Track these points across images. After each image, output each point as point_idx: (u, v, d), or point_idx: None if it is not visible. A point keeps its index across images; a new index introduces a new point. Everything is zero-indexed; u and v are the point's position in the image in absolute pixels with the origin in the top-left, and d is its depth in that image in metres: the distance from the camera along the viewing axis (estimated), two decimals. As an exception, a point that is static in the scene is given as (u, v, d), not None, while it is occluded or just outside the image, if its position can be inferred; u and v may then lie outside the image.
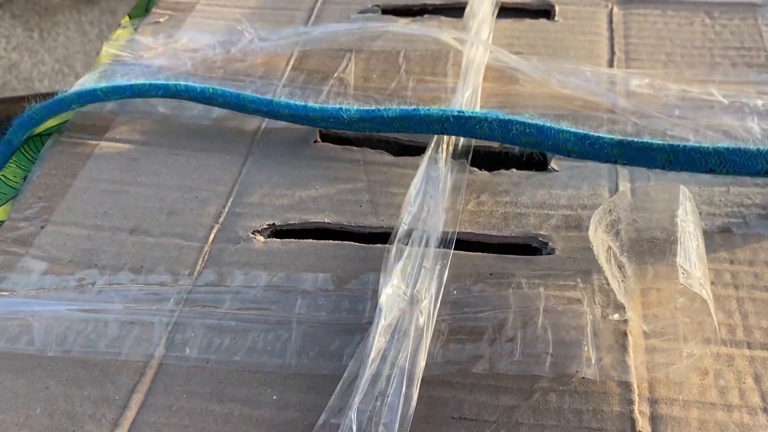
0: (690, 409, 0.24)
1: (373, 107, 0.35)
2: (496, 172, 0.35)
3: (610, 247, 0.25)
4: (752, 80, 0.37)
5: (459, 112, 0.33)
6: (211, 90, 0.37)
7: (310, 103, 0.36)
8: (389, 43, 0.42)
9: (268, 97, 0.37)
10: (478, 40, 0.38)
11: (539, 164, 0.35)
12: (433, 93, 0.39)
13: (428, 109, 0.34)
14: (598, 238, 0.26)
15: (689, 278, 0.22)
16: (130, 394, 0.27)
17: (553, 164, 0.34)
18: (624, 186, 0.33)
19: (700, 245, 0.25)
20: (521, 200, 0.33)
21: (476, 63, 0.37)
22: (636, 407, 0.24)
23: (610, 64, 0.39)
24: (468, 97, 0.36)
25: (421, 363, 0.26)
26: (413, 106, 0.34)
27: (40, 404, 0.27)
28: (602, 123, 0.36)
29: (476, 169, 0.35)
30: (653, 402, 0.24)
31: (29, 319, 0.30)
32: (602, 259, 0.26)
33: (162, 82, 0.38)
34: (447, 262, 0.29)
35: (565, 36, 0.41)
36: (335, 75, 0.41)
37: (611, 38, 0.41)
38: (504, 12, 0.44)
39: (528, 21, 0.43)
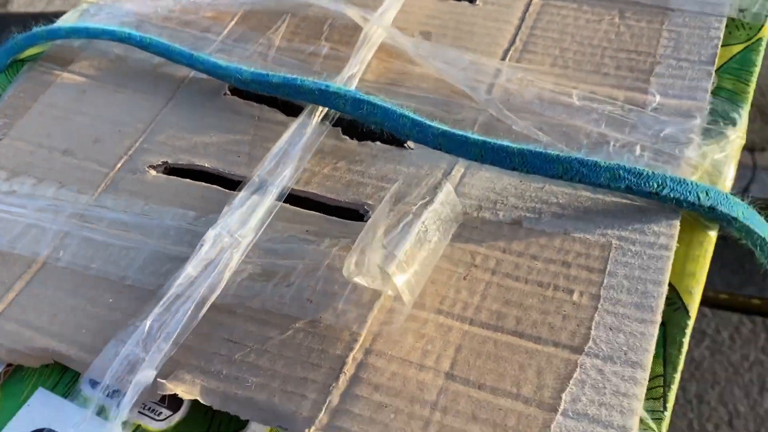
0: (392, 363, 0.29)
1: (264, 71, 0.40)
2: (363, 142, 0.40)
3: None
4: (625, 85, 0.39)
5: (326, 86, 0.38)
6: (147, 39, 0.44)
7: (220, 60, 0.42)
8: (323, 11, 0.47)
9: (188, 50, 0.43)
10: (379, 22, 0.42)
11: (400, 141, 0.39)
12: (338, 62, 0.43)
13: (304, 80, 0.39)
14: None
15: (378, 265, 0.27)
16: (15, 281, 0.35)
17: (410, 142, 0.39)
18: (458, 170, 0.37)
19: (428, 231, 0.29)
20: (369, 171, 0.38)
21: (371, 42, 0.42)
22: (352, 353, 0.30)
23: (505, 55, 0.42)
24: (353, 73, 0.41)
25: (216, 292, 0.32)
26: (294, 76, 0.39)
27: (-47, 278, 0.36)
28: (466, 111, 0.39)
29: (348, 138, 0.40)
30: (368, 352, 0.30)
31: (-36, 212, 0.39)
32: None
33: (111, 27, 0.45)
34: (272, 214, 0.35)
35: (478, 21, 0.44)
36: (266, 34, 0.46)
37: (518, 28, 0.44)
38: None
39: (451, 2, 0.46)
